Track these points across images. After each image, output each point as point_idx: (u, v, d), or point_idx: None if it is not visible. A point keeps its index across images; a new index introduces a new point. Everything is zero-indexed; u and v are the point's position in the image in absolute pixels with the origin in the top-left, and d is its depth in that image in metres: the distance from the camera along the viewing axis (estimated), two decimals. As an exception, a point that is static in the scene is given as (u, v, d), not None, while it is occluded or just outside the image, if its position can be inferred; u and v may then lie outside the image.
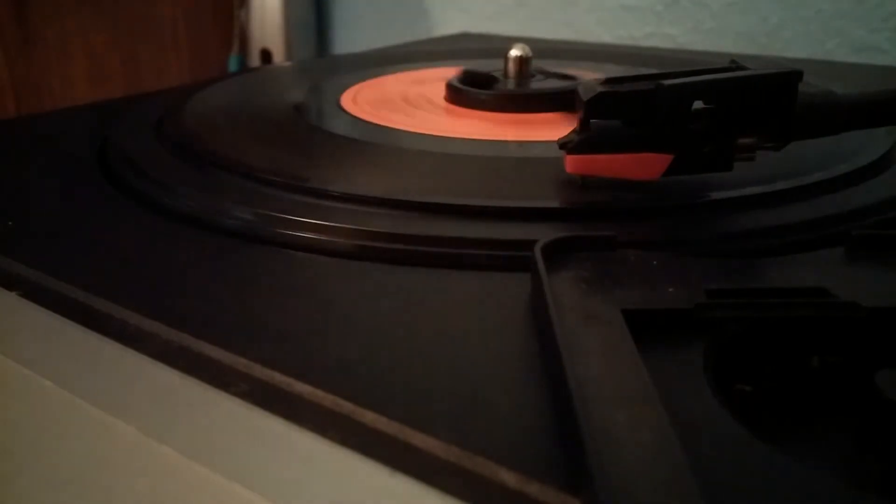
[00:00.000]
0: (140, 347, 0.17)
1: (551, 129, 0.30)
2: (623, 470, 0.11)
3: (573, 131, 0.22)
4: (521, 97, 0.32)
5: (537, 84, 0.34)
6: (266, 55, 0.79)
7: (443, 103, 0.34)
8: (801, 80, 0.21)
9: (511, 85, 0.34)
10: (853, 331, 0.15)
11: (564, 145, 0.22)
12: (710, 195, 0.22)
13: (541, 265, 0.16)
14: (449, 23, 0.74)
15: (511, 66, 0.34)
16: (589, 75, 0.32)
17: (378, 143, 0.28)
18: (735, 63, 0.22)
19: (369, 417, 0.14)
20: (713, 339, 0.15)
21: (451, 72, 0.36)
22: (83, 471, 0.17)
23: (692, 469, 0.11)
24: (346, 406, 0.14)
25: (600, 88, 0.21)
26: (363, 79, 0.39)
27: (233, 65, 0.80)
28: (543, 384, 0.14)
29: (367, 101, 0.34)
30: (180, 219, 0.22)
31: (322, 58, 0.74)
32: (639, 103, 0.21)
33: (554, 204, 0.22)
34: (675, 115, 0.21)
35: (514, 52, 0.34)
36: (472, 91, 0.33)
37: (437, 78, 0.38)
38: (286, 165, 0.25)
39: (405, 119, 0.31)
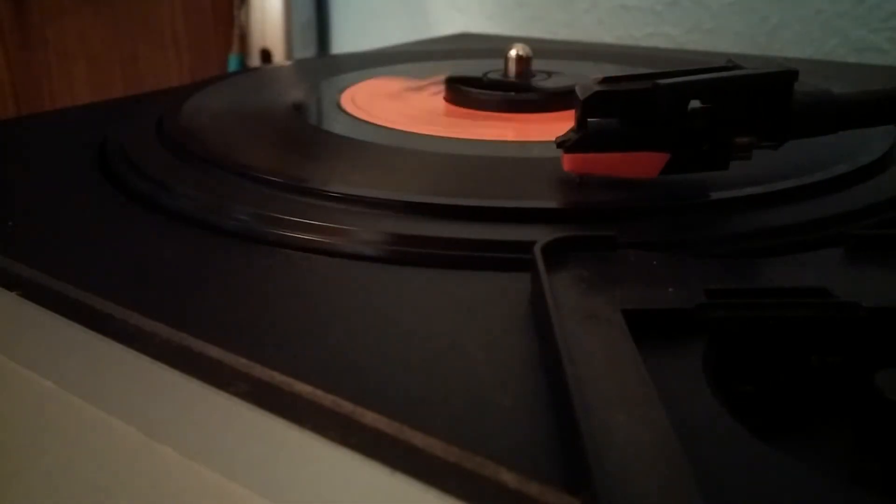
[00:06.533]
0: (140, 347, 0.17)
1: (550, 128, 0.30)
2: (623, 470, 0.11)
3: (571, 130, 0.22)
4: (521, 99, 0.32)
5: (538, 84, 0.34)
6: (266, 55, 0.79)
7: (442, 103, 0.34)
8: (796, 79, 0.21)
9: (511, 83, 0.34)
10: (853, 331, 0.15)
11: (562, 144, 0.22)
12: (710, 195, 0.22)
13: (541, 265, 0.16)
14: (449, 23, 0.74)
15: (511, 66, 0.34)
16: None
17: (377, 144, 0.28)
18: (732, 62, 0.22)
19: (369, 417, 0.14)
20: (713, 339, 0.15)
21: (449, 71, 0.35)
22: (83, 471, 0.17)
23: (692, 469, 0.11)
24: (346, 406, 0.14)
25: (597, 87, 0.21)
26: (363, 79, 0.39)
27: (233, 64, 0.80)
28: (543, 384, 0.14)
29: (367, 101, 0.34)
30: (180, 219, 0.22)
31: (322, 58, 0.74)
32: (636, 102, 0.21)
33: (553, 204, 0.21)
34: (672, 113, 0.21)
35: (514, 52, 0.34)
36: (472, 91, 0.33)
37: (436, 78, 0.38)
38: (286, 165, 0.25)
39: (405, 119, 0.31)
